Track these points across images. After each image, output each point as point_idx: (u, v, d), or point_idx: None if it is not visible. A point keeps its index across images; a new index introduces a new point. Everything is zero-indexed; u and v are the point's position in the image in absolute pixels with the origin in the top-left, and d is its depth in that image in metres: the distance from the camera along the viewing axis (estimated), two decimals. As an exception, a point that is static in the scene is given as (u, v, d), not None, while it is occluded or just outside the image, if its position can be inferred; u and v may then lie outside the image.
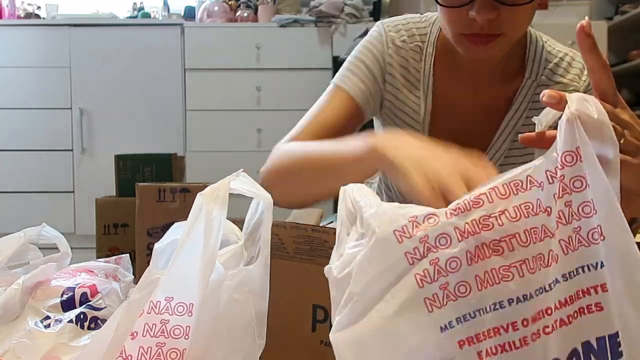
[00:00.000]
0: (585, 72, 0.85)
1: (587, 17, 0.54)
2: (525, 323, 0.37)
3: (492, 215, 0.39)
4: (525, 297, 0.38)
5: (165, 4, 3.16)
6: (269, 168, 0.87)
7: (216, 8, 2.94)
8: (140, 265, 1.39)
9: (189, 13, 3.07)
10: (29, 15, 3.02)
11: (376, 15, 2.89)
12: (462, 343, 0.38)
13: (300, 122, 0.93)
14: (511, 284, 0.38)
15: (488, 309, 0.38)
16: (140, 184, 1.42)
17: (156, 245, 0.64)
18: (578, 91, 0.83)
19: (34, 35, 2.74)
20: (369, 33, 0.97)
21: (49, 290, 0.89)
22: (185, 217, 0.68)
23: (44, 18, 3.06)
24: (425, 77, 0.91)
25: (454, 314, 0.38)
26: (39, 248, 1.00)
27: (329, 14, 2.75)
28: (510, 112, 0.88)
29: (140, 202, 1.41)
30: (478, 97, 0.89)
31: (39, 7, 3.16)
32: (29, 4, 3.13)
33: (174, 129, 2.75)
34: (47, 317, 0.85)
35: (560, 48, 0.91)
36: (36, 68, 2.73)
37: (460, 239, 0.39)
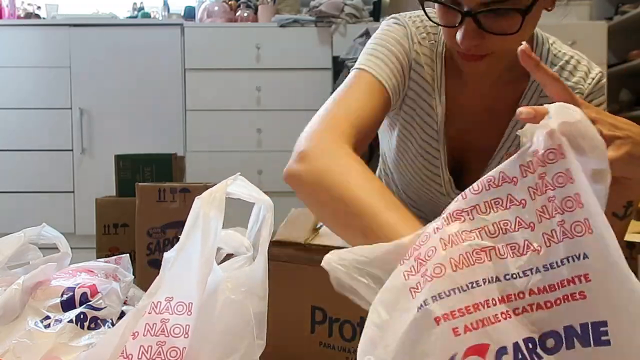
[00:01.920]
0: (591, 75, 0.86)
1: (524, 43, 0.56)
2: (494, 302, 0.41)
3: (464, 210, 0.44)
4: (495, 278, 0.42)
5: (165, 4, 3.16)
6: (301, 180, 0.71)
7: (216, 8, 2.94)
8: (140, 265, 1.39)
9: (189, 13, 3.07)
10: (29, 15, 3.02)
11: (376, 15, 2.89)
12: (438, 320, 0.40)
13: (327, 108, 0.81)
14: (483, 266, 0.42)
15: (462, 289, 0.41)
16: (140, 184, 1.42)
17: (166, 255, 0.65)
18: (582, 94, 0.84)
19: (34, 35, 2.74)
20: (386, 24, 0.90)
21: (49, 290, 0.89)
22: (185, 217, 0.69)
23: (44, 18, 3.06)
24: (438, 78, 0.89)
25: (430, 293, 0.41)
26: (39, 248, 1.00)
27: (329, 14, 2.75)
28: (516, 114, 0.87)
29: (140, 202, 1.41)
30: (485, 100, 0.89)
31: (39, 7, 3.16)
32: (29, 4, 3.13)
33: (174, 129, 2.75)
34: (47, 317, 0.85)
35: (566, 51, 0.90)
36: (36, 68, 2.73)
37: (435, 232, 0.44)
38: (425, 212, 0.98)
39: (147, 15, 3.06)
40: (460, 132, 0.91)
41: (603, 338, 0.40)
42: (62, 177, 2.73)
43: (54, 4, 3.13)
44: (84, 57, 2.73)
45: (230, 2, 3.01)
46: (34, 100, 2.73)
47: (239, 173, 0.70)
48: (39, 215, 2.70)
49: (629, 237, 1.33)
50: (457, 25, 0.72)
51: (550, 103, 0.52)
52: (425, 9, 0.83)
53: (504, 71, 0.84)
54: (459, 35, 0.72)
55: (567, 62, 0.88)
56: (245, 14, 2.94)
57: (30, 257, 0.99)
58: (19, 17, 3.00)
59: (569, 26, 2.79)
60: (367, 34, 2.49)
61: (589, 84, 0.86)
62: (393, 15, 0.91)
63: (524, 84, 0.87)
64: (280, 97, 2.75)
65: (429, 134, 0.91)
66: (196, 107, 2.76)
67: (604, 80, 0.87)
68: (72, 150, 2.74)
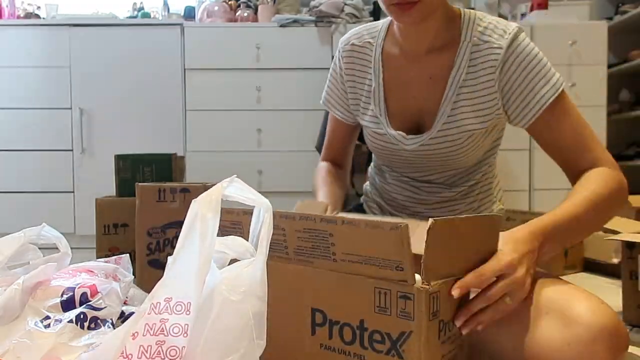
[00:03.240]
0: (508, 32, 1.00)
1: (456, 288, 0.71)
2: None
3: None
4: None
5: (165, 4, 3.16)
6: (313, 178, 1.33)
7: (216, 8, 2.94)
8: (140, 265, 1.39)
9: (189, 13, 3.07)
10: (29, 15, 3.02)
11: (376, 15, 2.89)
12: None
13: (325, 141, 1.34)
14: None
15: None
16: (140, 184, 1.42)
17: (169, 259, 0.65)
18: (502, 48, 0.99)
19: (34, 35, 2.74)
20: None
21: (49, 290, 0.89)
22: (185, 217, 0.69)
23: (44, 18, 3.06)
24: (375, 62, 1.13)
25: None
26: (39, 248, 1.00)
27: (329, 14, 2.75)
28: (453, 72, 1.04)
29: (140, 202, 1.41)
30: (422, 67, 1.07)
31: (39, 7, 3.16)
32: (29, 4, 3.13)
33: (174, 129, 2.75)
34: (47, 317, 0.85)
35: (487, 16, 1.06)
36: (36, 68, 2.73)
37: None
38: (402, 169, 1.19)
39: (147, 15, 3.06)
40: (405, 100, 1.10)
41: None
42: (62, 177, 2.73)
43: (53, 4, 3.13)
44: (84, 57, 2.73)
45: (230, 2, 3.01)
46: (34, 100, 2.73)
47: (235, 175, 0.70)
48: (39, 215, 2.70)
49: (629, 237, 1.33)
50: None
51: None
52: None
53: (433, 39, 1.05)
54: None
55: (489, 23, 1.03)
56: (245, 14, 2.94)
57: (30, 257, 0.99)
58: (19, 17, 3.00)
59: (569, 26, 2.79)
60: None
61: (506, 38, 1.00)
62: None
63: (454, 49, 1.04)
64: (280, 97, 2.75)
65: (372, 110, 1.14)
66: (196, 107, 2.76)
67: (521, 33, 1.01)
68: (72, 150, 2.74)
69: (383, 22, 1.16)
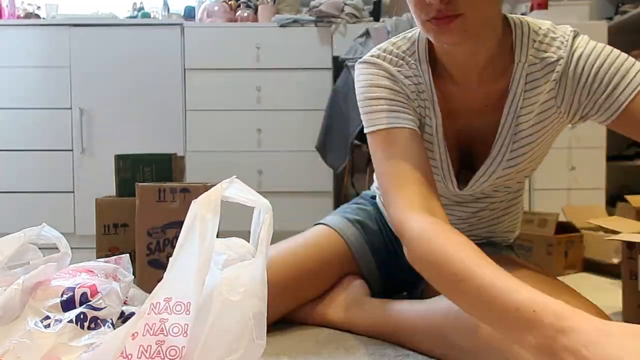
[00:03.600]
0: (566, 40, 0.89)
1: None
2: None
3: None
4: None
5: (165, 4, 3.16)
6: (417, 257, 0.80)
7: (216, 8, 2.94)
8: (140, 265, 1.39)
9: (189, 13, 3.07)
10: (29, 15, 3.02)
11: (376, 15, 2.88)
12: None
13: (387, 184, 0.88)
14: None
15: None
16: (140, 184, 1.42)
17: (170, 260, 0.66)
18: (562, 57, 0.88)
19: (34, 35, 2.74)
20: (360, 75, 0.97)
21: (49, 290, 0.89)
22: (185, 217, 0.69)
23: (43, 18, 3.06)
24: (429, 90, 0.95)
25: None
26: (39, 248, 1.00)
27: (329, 14, 2.75)
28: (509, 98, 0.93)
29: (140, 202, 1.42)
30: (475, 95, 0.94)
31: (38, 7, 3.16)
32: (29, 4, 3.12)
33: (174, 129, 2.75)
34: (47, 317, 0.85)
35: (541, 24, 0.93)
36: (36, 68, 2.73)
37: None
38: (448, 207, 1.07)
39: (147, 15, 3.06)
40: (461, 132, 0.98)
41: None
42: (62, 177, 2.73)
43: (53, 4, 3.13)
44: (84, 57, 2.73)
45: (230, 2, 3.01)
46: (34, 100, 2.73)
47: (235, 176, 0.70)
48: (39, 215, 2.70)
49: (629, 237, 1.33)
50: None
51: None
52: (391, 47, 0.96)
53: (485, 66, 0.90)
54: None
55: (545, 35, 0.91)
56: (245, 14, 2.94)
57: (30, 257, 0.99)
58: (18, 17, 3.00)
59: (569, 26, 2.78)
60: (367, 34, 2.49)
61: (566, 47, 0.88)
62: (358, 65, 0.98)
63: (507, 77, 0.92)
64: (280, 97, 2.74)
65: (429, 143, 0.98)
66: (196, 107, 2.76)
67: (579, 34, 0.90)
68: (72, 150, 2.74)
69: (412, 40, 0.98)
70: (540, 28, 0.92)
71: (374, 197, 1.32)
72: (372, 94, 0.93)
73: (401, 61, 0.95)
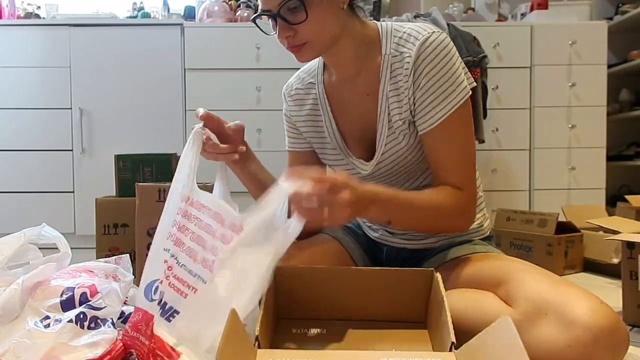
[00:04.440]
0: (419, 38, 1.02)
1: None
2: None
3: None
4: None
5: (165, 4, 3.16)
6: None
7: (216, 8, 2.94)
8: (140, 265, 1.39)
9: (189, 13, 3.07)
10: (29, 15, 3.02)
11: (376, 15, 2.88)
12: None
13: None
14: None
15: None
16: (140, 184, 1.42)
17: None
18: (411, 56, 1.02)
19: (34, 35, 2.74)
20: None
21: (49, 290, 0.89)
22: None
23: (44, 18, 3.06)
24: (320, 98, 1.18)
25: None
26: (39, 248, 1.00)
27: (329, 14, 2.74)
28: (381, 85, 1.08)
29: (140, 202, 1.41)
30: (358, 87, 1.11)
31: (39, 7, 3.16)
32: (29, 4, 3.13)
33: (174, 129, 2.75)
34: (47, 317, 0.85)
35: (404, 25, 1.09)
36: (36, 68, 2.73)
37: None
38: None
39: (147, 15, 3.06)
40: (355, 123, 1.14)
41: None
42: (62, 177, 2.73)
43: (53, 4, 3.13)
44: (84, 57, 2.73)
45: (230, 2, 3.01)
46: (34, 100, 2.73)
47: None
48: (39, 215, 2.70)
49: (629, 237, 1.33)
50: (276, 30, 1.01)
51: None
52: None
53: (357, 59, 1.09)
54: (278, 35, 1.00)
55: (404, 33, 1.06)
56: (245, 14, 2.94)
57: (30, 257, 0.99)
58: (19, 17, 3.00)
59: (569, 26, 2.79)
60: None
61: (417, 49, 1.01)
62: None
63: (379, 64, 1.08)
64: (280, 97, 2.74)
65: (330, 144, 1.18)
66: (196, 107, 2.75)
67: (434, 37, 1.01)
68: (72, 150, 2.74)
69: (318, 60, 1.21)
70: (402, 27, 1.08)
71: None
72: (285, 123, 1.27)
73: (296, 87, 1.23)
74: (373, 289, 0.90)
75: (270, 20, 1.03)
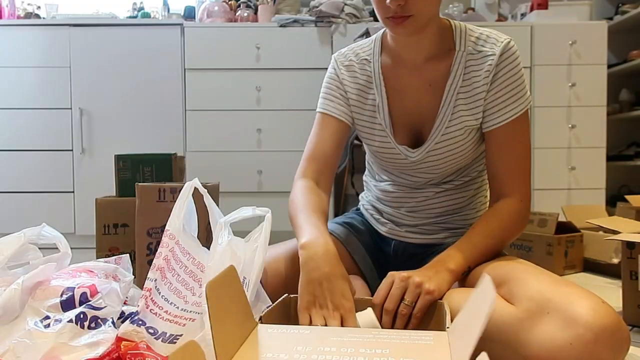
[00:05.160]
0: (500, 41, 1.08)
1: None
2: None
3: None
4: None
5: (165, 4, 3.16)
6: (290, 199, 1.14)
7: (216, 8, 2.94)
8: (140, 265, 1.39)
9: (189, 13, 3.07)
10: (29, 15, 3.02)
11: (376, 15, 2.88)
12: None
13: (305, 151, 1.19)
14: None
15: None
16: (140, 184, 1.42)
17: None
18: (495, 54, 1.07)
19: (34, 35, 2.74)
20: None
21: (49, 290, 0.89)
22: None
23: (44, 18, 3.06)
24: (376, 77, 1.17)
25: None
26: (39, 248, 1.00)
27: (329, 14, 2.75)
28: (449, 80, 1.11)
29: (140, 202, 1.41)
30: (422, 75, 1.13)
31: (39, 7, 3.16)
32: (29, 4, 3.13)
33: (174, 129, 2.75)
34: (47, 317, 0.85)
35: (478, 30, 1.13)
36: (36, 68, 2.73)
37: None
38: (403, 178, 1.23)
39: (147, 15, 3.06)
40: (407, 109, 1.16)
41: None
42: (62, 177, 2.73)
43: (53, 4, 3.13)
44: (84, 57, 2.73)
45: (230, 2, 3.01)
46: (34, 100, 2.73)
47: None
48: (39, 215, 2.70)
49: (629, 237, 1.33)
50: None
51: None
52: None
53: (430, 47, 1.11)
54: (387, 1, 0.99)
55: (480, 35, 1.11)
56: (245, 14, 2.94)
57: (30, 257, 0.99)
58: (19, 17, 3.00)
59: (569, 26, 2.79)
60: (367, 34, 2.49)
61: (499, 47, 1.08)
62: (332, 56, 1.24)
63: (450, 57, 1.11)
64: (280, 97, 2.74)
65: (379, 124, 1.17)
66: (196, 107, 2.76)
67: (513, 43, 1.09)
68: (72, 150, 2.74)
69: (373, 39, 1.21)
70: (475, 28, 1.13)
71: (358, 209, 1.37)
72: (324, 84, 1.23)
73: (350, 58, 1.21)
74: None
75: None
